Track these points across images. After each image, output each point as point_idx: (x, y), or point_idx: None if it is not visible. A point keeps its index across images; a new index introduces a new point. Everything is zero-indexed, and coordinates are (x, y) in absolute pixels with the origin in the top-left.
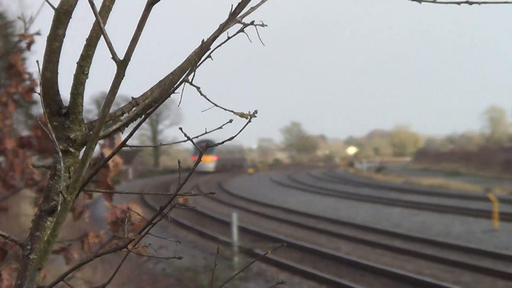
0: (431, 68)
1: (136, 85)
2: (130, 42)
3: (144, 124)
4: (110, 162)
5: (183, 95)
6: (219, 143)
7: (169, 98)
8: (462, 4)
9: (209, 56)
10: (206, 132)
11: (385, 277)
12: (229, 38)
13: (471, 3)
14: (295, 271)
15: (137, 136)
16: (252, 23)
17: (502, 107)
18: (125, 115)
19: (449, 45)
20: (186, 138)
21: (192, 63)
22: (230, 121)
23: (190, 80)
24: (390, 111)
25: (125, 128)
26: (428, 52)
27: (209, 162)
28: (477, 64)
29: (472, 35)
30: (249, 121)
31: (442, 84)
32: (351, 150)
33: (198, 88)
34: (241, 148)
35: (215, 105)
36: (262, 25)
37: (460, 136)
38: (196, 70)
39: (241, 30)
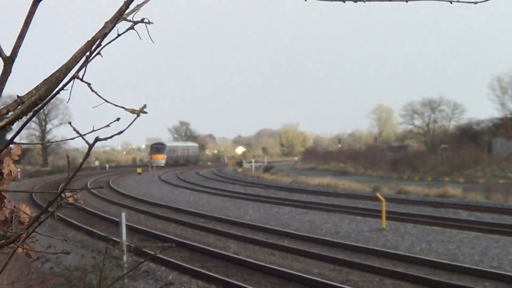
0: (318, 68)
1: (23, 82)
2: (17, 38)
3: (32, 124)
4: (5, 170)
5: (73, 94)
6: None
7: (57, 98)
8: (347, 2)
9: (98, 53)
10: (94, 130)
11: (273, 276)
12: (119, 35)
13: (355, 1)
14: (183, 270)
15: (25, 136)
16: (142, 20)
17: (389, 106)
18: (11, 113)
19: (336, 45)
20: (74, 137)
21: (77, 60)
22: (118, 119)
23: (80, 77)
24: (278, 111)
25: (11, 126)
26: (315, 52)
27: (160, 159)
28: (364, 64)
29: (357, 34)
30: (138, 116)
31: (330, 84)
32: (240, 150)
33: (89, 84)
34: (196, 148)
35: (106, 101)
36: (148, 22)
37: (348, 135)
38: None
39: (131, 27)
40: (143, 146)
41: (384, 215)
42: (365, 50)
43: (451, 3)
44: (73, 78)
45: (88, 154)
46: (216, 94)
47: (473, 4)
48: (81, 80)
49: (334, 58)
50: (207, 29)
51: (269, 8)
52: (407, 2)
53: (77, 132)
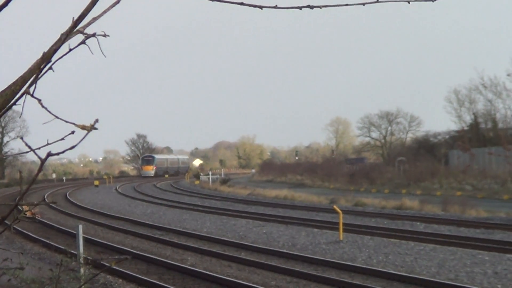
0: (275, 80)
1: None
2: None
3: None
4: None
5: (29, 104)
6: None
7: (14, 110)
8: (303, 9)
9: (50, 68)
10: (48, 144)
11: None
12: (70, 49)
13: (312, 7)
14: (140, 282)
15: None
16: (94, 34)
17: (346, 118)
18: None
19: (292, 57)
20: (27, 151)
21: (33, 72)
22: (72, 132)
23: (31, 92)
24: (235, 123)
25: None
26: (271, 65)
27: (150, 170)
28: (321, 77)
29: (313, 46)
30: (89, 132)
31: (287, 96)
32: (197, 162)
33: (39, 100)
34: (186, 159)
35: (56, 117)
36: (104, 35)
37: (305, 147)
38: (42, 80)
39: (83, 42)
40: (100, 158)
41: (341, 227)
42: (321, 62)
43: (409, 3)
44: (24, 93)
45: (40, 169)
46: (173, 107)
47: (431, 2)
48: (32, 96)
49: (290, 70)
50: (163, 41)
51: (224, 19)
52: (364, 5)
53: (29, 147)
